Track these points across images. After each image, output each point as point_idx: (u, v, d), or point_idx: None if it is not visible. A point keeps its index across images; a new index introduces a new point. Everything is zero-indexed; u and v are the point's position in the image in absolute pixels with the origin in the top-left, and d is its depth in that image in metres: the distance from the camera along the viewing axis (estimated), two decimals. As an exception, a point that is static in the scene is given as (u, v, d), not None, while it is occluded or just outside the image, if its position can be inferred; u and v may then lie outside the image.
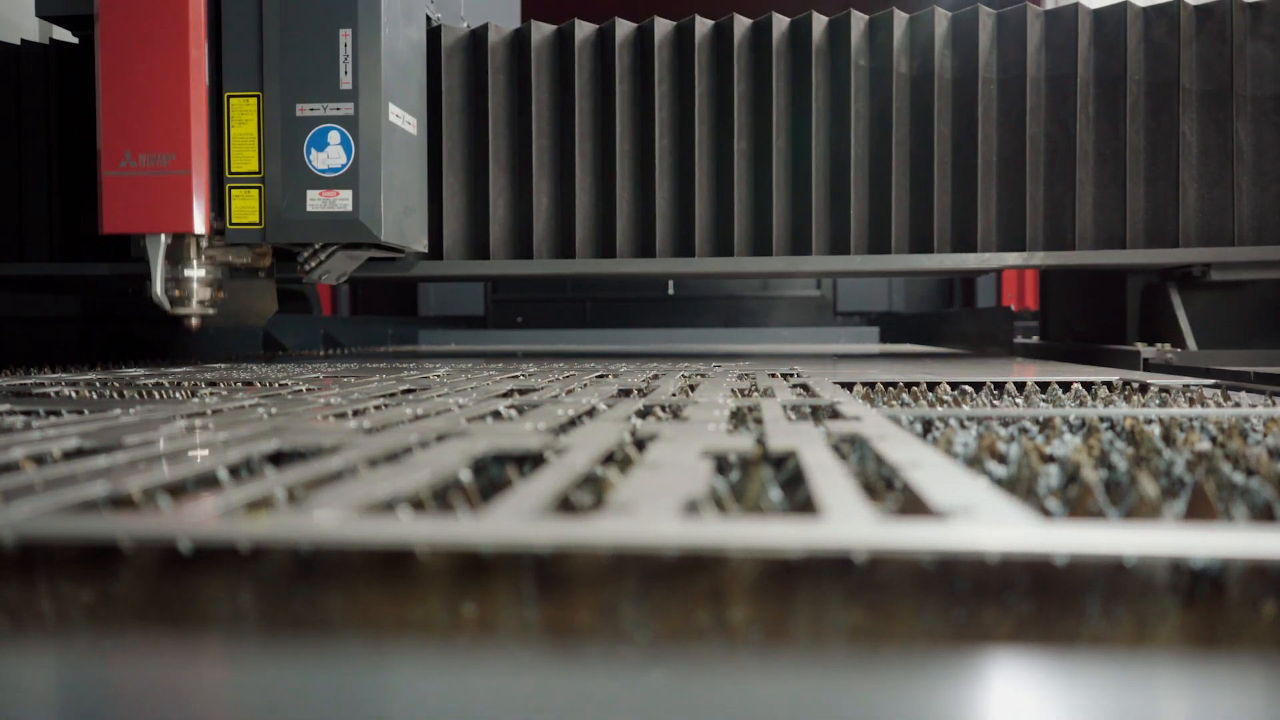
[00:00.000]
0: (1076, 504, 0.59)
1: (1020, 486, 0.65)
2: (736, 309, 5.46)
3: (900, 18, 2.28)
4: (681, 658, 0.46)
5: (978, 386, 1.49)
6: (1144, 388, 1.44)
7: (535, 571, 0.47)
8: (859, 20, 2.29)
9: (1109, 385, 1.49)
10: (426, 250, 2.31)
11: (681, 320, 5.37)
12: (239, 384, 1.60)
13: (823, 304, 5.43)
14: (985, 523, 0.50)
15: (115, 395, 1.39)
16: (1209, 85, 2.23)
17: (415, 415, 1.05)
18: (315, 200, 1.97)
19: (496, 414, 1.07)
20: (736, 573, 0.47)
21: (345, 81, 1.96)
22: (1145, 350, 2.25)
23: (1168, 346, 2.26)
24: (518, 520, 0.52)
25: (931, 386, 1.48)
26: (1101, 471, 0.74)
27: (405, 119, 2.10)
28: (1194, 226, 2.25)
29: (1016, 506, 0.54)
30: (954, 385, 1.50)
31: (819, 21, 2.30)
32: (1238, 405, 1.21)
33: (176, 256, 2.04)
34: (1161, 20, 2.23)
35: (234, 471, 0.71)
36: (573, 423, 1.00)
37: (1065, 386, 1.47)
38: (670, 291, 5.43)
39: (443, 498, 0.61)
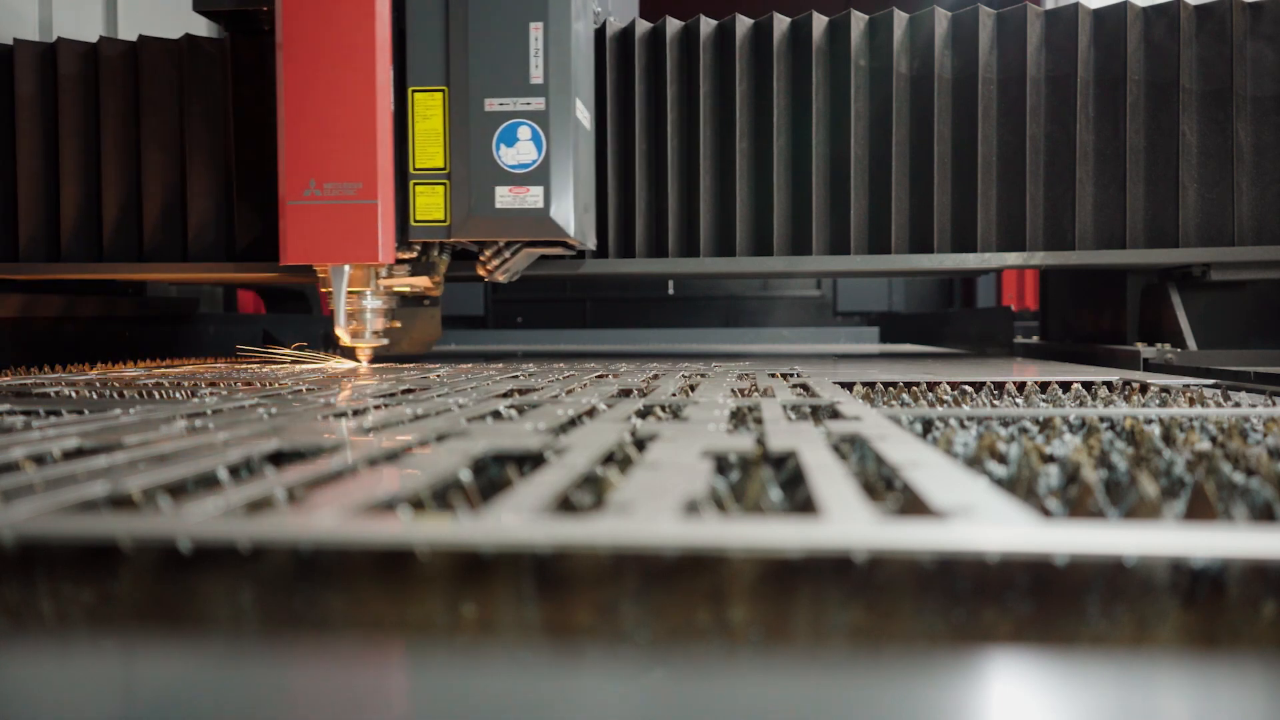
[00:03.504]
0: (1076, 504, 0.59)
1: (1020, 486, 0.65)
2: (736, 309, 5.46)
3: (900, 17, 2.28)
4: (681, 658, 0.46)
5: (978, 386, 1.49)
6: (1144, 388, 1.44)
7: (535, 571, 0.47)
8: (859, 20, 2.29)
9: (1109, 385, 1.49)
10: (596, 248, 2.29)
11: (681, 320, 5.37)
12: (239, 384, 1.60)
13: (823, 304, 5.43)
14: (985, 523, 0.50)
15: (115, 395, 1.39)
16: (1209, 85, 2.23)
17: (415, 415, 1.05)
18: (504, 197, 1.94)
19: (496, 414, 1.07)
20: (736, 573, 0.47)
21: (536, 76, 1.92)
22: (1145, 350, 2.25)
23: (1168, 346, 2.26)
24: (518, 520, 0.51)
25: (931, 386, 1.48)
26: (1101, 471, 0.74)
27: (586, 114, 2.08)
28: (1194, 226, 2.25)
29: (1016, 506, 0.54)
30: (954, 385, 1.50)
31: (819, 21, 2.30)
32: (1238, 405, 1.21)
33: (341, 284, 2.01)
34: (1161, 20, 2.23)
35: (234, 471, 0.71)
36: (573, 423, 1.00)
37: (1065, 386, 1.47)
38: (670, 291, 5.43)
39: (443, 498, 0.61)
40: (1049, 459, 0.78)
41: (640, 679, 0.43)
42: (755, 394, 1.31)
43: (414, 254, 2.09)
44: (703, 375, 1.73)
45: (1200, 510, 0.56)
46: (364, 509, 0.54)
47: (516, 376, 1.71)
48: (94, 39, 2.49)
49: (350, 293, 2.00)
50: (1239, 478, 0.68)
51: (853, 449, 0.81)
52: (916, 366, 2.07)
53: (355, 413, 1.11)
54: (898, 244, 2.31)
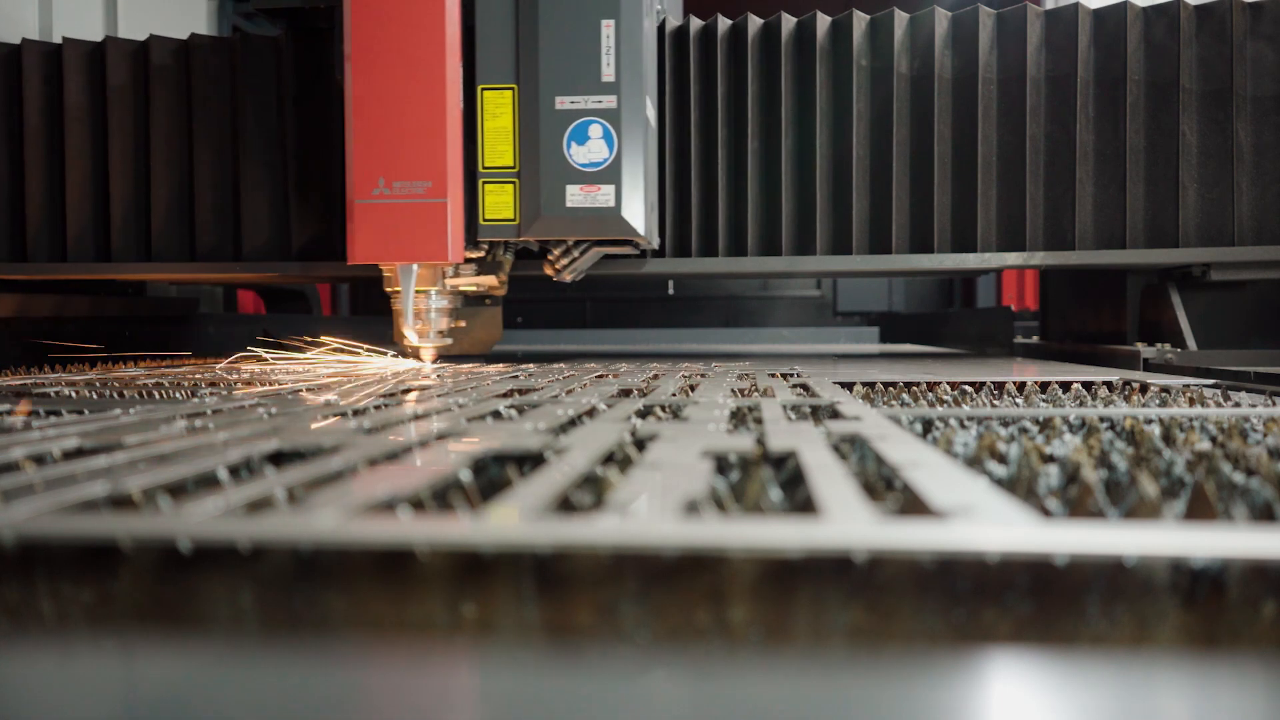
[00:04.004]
0: (1076, 504, 0.59)
1: (1020, 486, 0.65)
2: (736, 309, 5.46)
3: (901, 18, 2.28)
4: (681, 658, 0.46)
5: (978, 386, 1.49)
6: (1144, 388, 1.44)
7: (535, 571, 0.47)
8: (860, 20, 2.29)
9: (1109, 385, 1.49)
10: (657, 247, 2.27)
11: (681, 320, 5.36)
12: (239, 384, 1.60)
13: (823, 304, 5.43)
14: (985, 523, 0.50)
15: (115, 395, 1.39)
16: (1209, 85, 2.23)
17: (415, 415, 1.05)
18: (575, 195, 1.92)
19: (496, 414, 1.07)
20: (736, 573, 0.47)
21: (608, 74, 1.91)
22: (1145, 350, 2.25)
23: (1168, 346, 2.26)
24: (518, 520, 0.51)
25: (931, 386, 1.48)
26: (1101, 471, 0.74)
27: (652, 111, 2.06)
28: (1194, 226, 2.24)
29: (1016, 506, 0.54)
30: (954, 385, 1.50)
31: (823, 21, 2.29)
32: (1238, 405, 1.21)
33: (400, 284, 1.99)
34: (1161, 20, 2.23)
35: (234, 471, 0.71)
36: (573, 423, 1.00)
37: (1065, 386, 1.47)
38: (670, 291, 5.43)
39: (443, 498, 0.61)
40: (1049, 459, 0.78)
41: (640, 679, 0.43)
42: (755, 394, 1.31)
43: (481, 253, 2.08)
44: (703, 375, 1.73)
45: (1200, 510, 0.56)
46: (364, 509, 0.54)
47: (516, 376, 1.71)
48: (94, 39, 2.48)
49: (415, 292, 1.98)
50: (1239, 478, 0.68)
51: (853, 449, 0.81)
52: (916, 366, 2.07)
53: (355, 413, 1.11)
54: (898, 244, 2.31)
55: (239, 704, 0.39)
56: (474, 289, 2.14)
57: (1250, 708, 0.39)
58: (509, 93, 1.94)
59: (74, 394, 1.39)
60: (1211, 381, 1.56)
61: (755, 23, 2.32)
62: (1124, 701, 0.39)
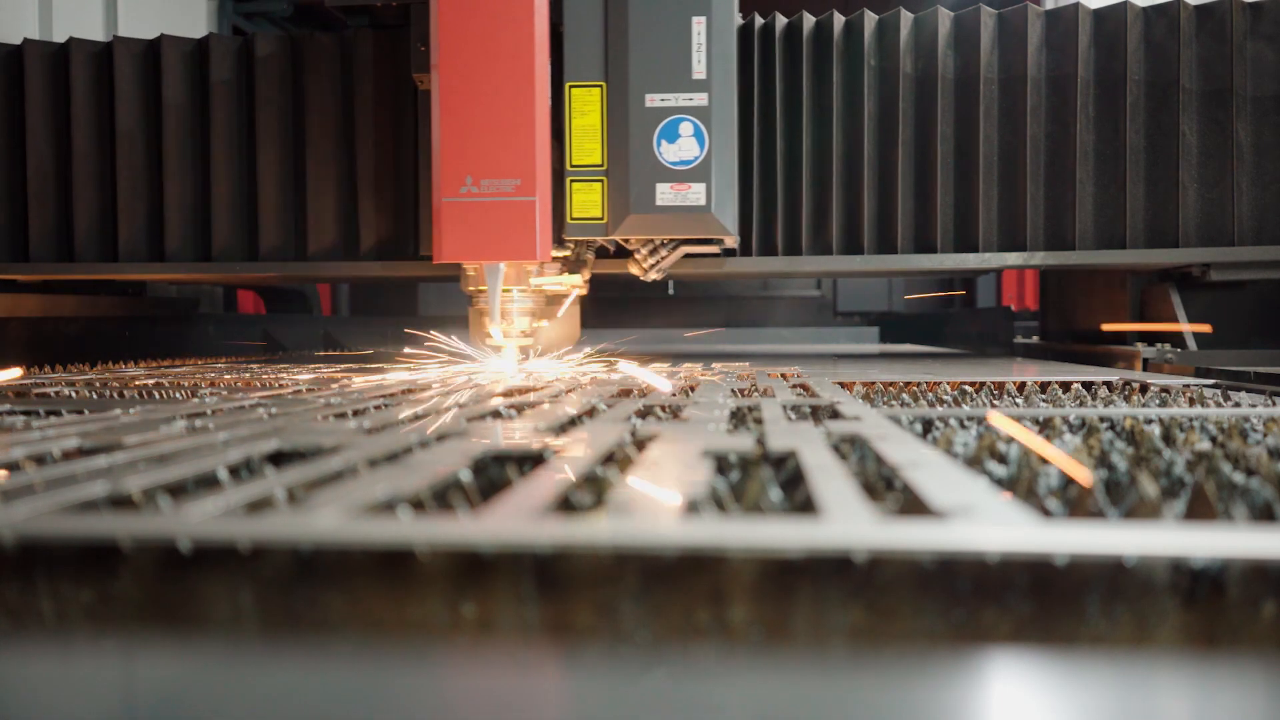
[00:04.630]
0: (1076, 504, 0.59)
1: (1020, 486, 0.65)
2: (736, 309, 5.45)
3: (906, 18, 2.28)
4: (681, 658, 0.46)
5: (978, 386, 1.49)
6: (1144, 388, 1.44)
7: (535, 571, 0.47)
8: (870, 20, 2.28)
9: (1109, 385, 1.49)
10: (738, 246, 2.25)
11: (681, 320, 5.36)
12: (239, 384, 1.60)
13: (823, 304, 5.43)
14: (985, 523, 0.50)
15: (115, 395, 1.39)
16: (1209, 85, 2.23)
17: (415, 415, 1.05)
18: (665, 194, 1.90)
19: (496, 414, 1.07)
20: (736, 573, 0.46)
21: (698, 71, 1.89)
22: (1145, 350, 2.25)
23: (1168, 346, 2.26)
24: (518, 520, 0.51)
25: (931, 386, 1.48)
26: (1101, 471, 0.74)
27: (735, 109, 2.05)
28: (1194, 226, 2.24)
29: (1016, 506, 0.54)
30: (954, 385, 1.50)
31: (838, 21, 2.29)
32: (1238, 405, 1.21)
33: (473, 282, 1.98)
34: (1161, 20, 2.23)
35: (234, 471, 0.71)
36: (573, 423, 1.00)
37: (1065, 386, 1.47)
38: (670, 291, 5.43)
39: (443, 498, 0.61)
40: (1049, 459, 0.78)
41: (640, 679, 0.43)
42: (755, 394, 1.31)
43: (568, 252, 2.07)
44: (703, 375, 1.73)
45: (1200, 510, 0.56)
46: (364, 509, 0.54)
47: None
48: (94, 39, 2.48)
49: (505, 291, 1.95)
50: (1239, 478, 0.67)
51: (853, 449, 0.81)
52: (916, 366, 2.07)
53: (355, 412, 1.11)
54: (903, 244, 2.30)
55: (239, 704, 0.39)
56: (558, 288, 2.13)
57: (1250, 708, 0.39)
58: (597, 90, 1.92)
59: (74, 394, 1.39)
60: (1211, 381, 1.56)
61: (781, 21, 2.31)
62: (1124, 701, 0.39)
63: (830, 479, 0.63)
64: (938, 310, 5.16)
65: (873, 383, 1.51)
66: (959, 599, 0.46)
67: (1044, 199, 2.28)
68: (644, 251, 2.07)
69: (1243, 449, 0.77)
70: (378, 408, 1.16)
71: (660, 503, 0.56)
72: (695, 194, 1.90)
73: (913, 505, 0.57)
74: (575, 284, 2.13)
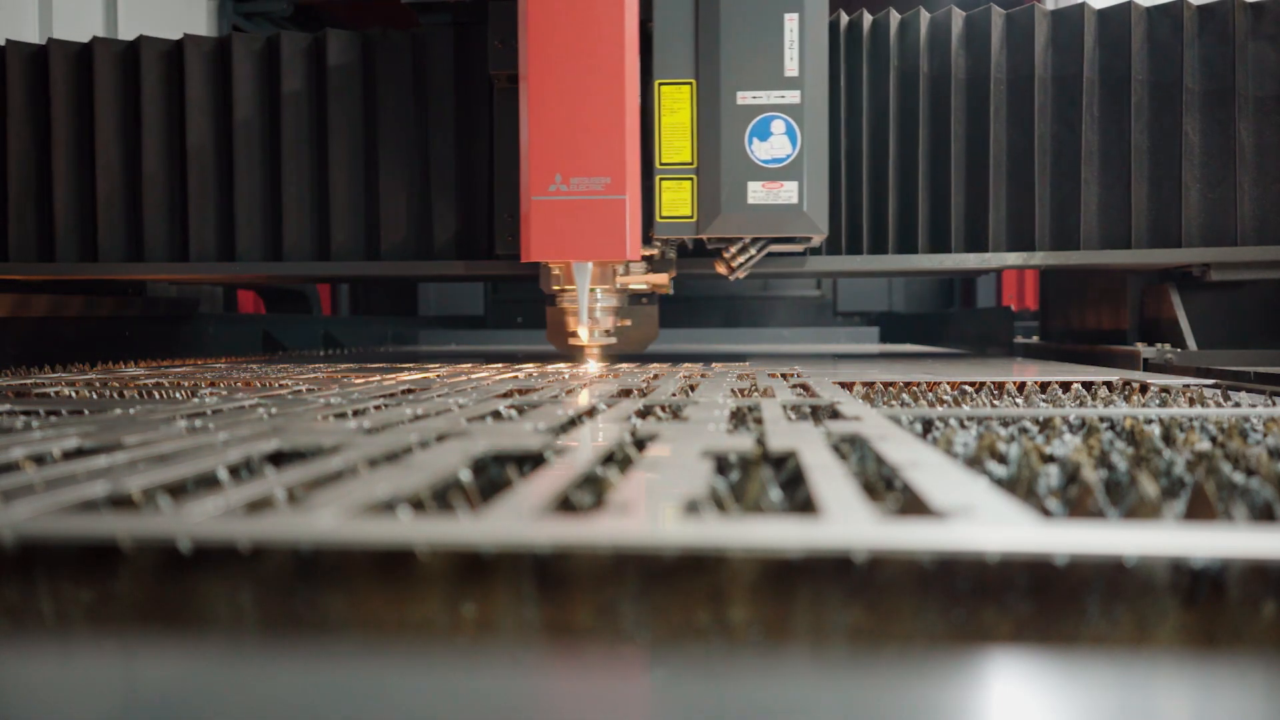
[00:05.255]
0: (1076, 504, 0.59)
1: (1020, 486, 0.65)
2: (736, 309, 5.45)
3: (924, 17, 2.27)
4: (681, 658, 0.46)
5: (978, 386, 1.49)
6: (1144, 388, 1.44)
7: (535, 571, 0.47)
8: (894, 19, 2.28)
9: (1109, 385, 1.49)
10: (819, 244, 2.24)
11: (681, 320, 5.36)
12: (239, 384, 1.60)
13: (823, 304, 5.42)
14: (985, 523, 0.50)
15: (115, 395, 1.39)
16: (1211, 85, 2.23)
17: (415, 415, 1.05)
18: (757, 192, 1.89)
19: (496, 414, 1.07)
20: (736, 573, 0.47)
21: (791, 69, 1.88)
22: (1145, 350, 2.25)
23: (1168, 346, 2.26)
24: (518, 520, 0.52)
25: (931, 386, 1.48)
26: (1101, 471, 0.74)
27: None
28: (1196, 227, 2.24)
29: (1016, 506, 0.54)
30: (954, 385, 1.50)
31: (866, 20, 2.29)
32: (1238, 405, 1.21)
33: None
34: (1165, 20, 2.23)
35: (234, 471, 0.71)
36: (573, 423, 1.00)
37: (1065, 386, 1.47)
38: (670, 291, 5.42)
39: (443, 498, 0.61)
40: (1049, 459, 0.78)
41: (640, 679, 0.43)
42: (755, 394, 1.31)
43: (655, 251, 2.06)
44: (703, 375, 1.73)
45: (1200, 510, 0.56)
46: (364, 509, 0.54)
47: (516, 376, 1.71)
48: (89, 39, 2.48)
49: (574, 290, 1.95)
50: (1239, 478, 0.68)
51: (853, 449, 0.81)
52: (916, 366, 2.07)
53: (355, 413, 1.11)
54: (922, 244, 2.30)
55: (239, 704, 0.39)
56: (645, 287, 2.12)
57: (1250, 708, 0.39)
58: (687, 88, 1.91)
59: (74, 394, 1.39)
60: (1211, 381, 1.56)
61: (844, 20, 2.31)
62: (1124, 701, 0.39)
63: (830, 479, 0.63)
64: (937, 310, 5.16)
65: (873, 383, 1.51)
66: (959, 599, 0.46)
67: (1050, 199, 2.27)
68: (733, 250, 2.06)
69: (1243, 449, 0.77)
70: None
71: (660, 503, 0.56)
72: (788, 192, 1.89)
73: (913, 505, 0.57)
74: (660, 283, 2.12)
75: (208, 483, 0.67)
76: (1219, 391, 1.38)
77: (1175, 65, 2.22)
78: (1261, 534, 0.46)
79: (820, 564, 0.46)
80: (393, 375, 1.79)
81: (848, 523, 0.51)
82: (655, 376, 1.69)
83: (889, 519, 0.53)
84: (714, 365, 2.09)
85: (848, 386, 1.49)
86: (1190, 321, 2.30)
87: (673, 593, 0.47)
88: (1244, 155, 2.22)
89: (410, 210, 2.38)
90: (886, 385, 1.50)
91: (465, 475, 0.67)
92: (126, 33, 3.37)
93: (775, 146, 1.89)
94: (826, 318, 5.43)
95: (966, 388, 1.47)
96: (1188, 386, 1.42)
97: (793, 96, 1.89)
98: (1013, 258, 2.29)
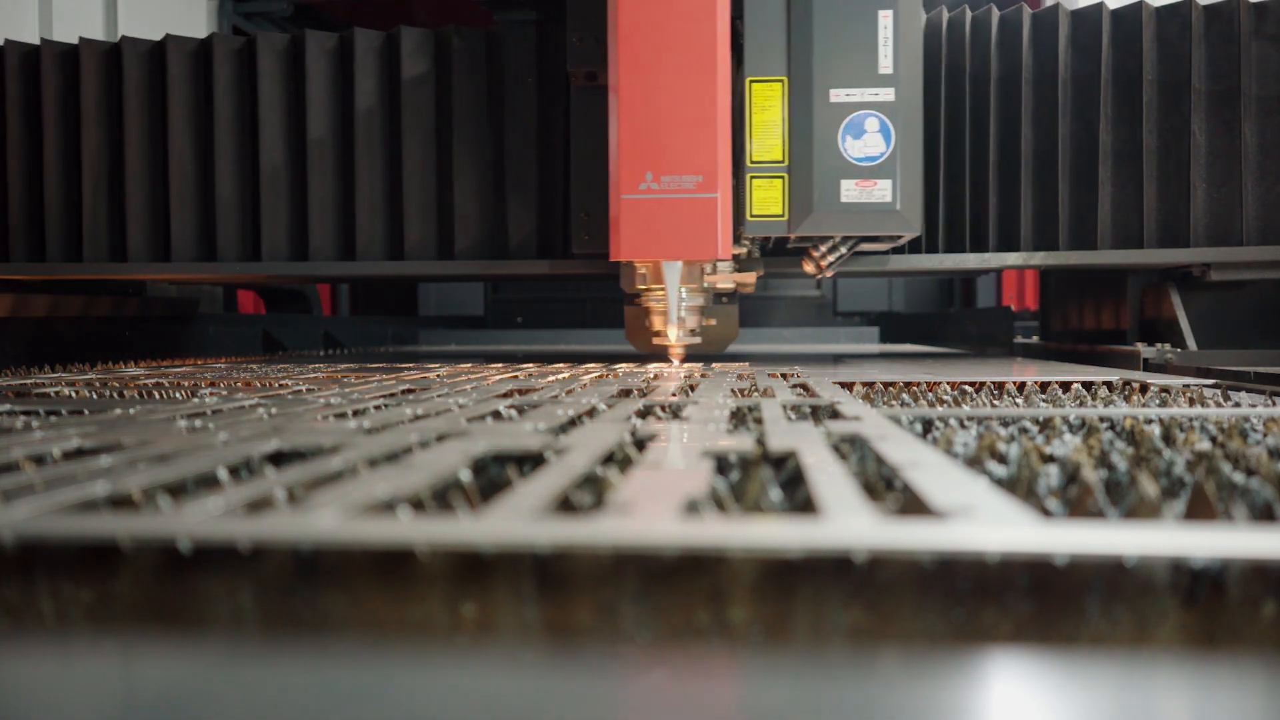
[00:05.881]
0: (1076, 504, 0.59)
1: (1020, 486, 0.65)
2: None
3: (968, 16, 2.27)
4: (681, 658, 0.46)
5: (978, 386, 1.49)
6: (1144, 388, 1.44)
7: (535, 571, 0.47)
8: (943, 16, 2.28)
9: (1109, 385, 1.49)
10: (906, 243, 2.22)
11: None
12: (239, 384, 1.60)
13: (822, 304, 5.42)
14: (985, 523, 0.50)
15: (115, 395, 1.39)
16: (1216, 85, 2.23)
17: (415, 415, 1.05)
18: (850, 190, 1.88)
19: (496, 414, 1.07)
20: (736, 573, 0.47)
21: (885, 66, 1.87)
22: (1145, 350, 2.25)
23: (1168, 346, 2.26)
24: (518, 520, 0.51)
25: (931, 386, 1.48)
26: (1101, 471, 0.74)
27: None
28: (1202, 226, 2.24)
29: (1016, 506, 0.54)
30: (954, 385, 1.50)
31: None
32: (1238, 405, 1.21)
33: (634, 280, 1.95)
34: (1175, 20, 2.23)
35: (234, 471, 0.71)
36: (573, 423, 1.00)
37: (1065, 386, 1.47)
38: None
39: (443, 498, 0.61)
40: (1049, 459, 0.78)
41: (640, 679, 0.43)
42: (755, 394, 1.31)
43: (743, 250, 2.05)
44: (703, 375, 1.73)
45: (1200, 510, 0.56)
46: (364, 509, 0.54)
47: (516, 376, 1.71)
48: (89, 38, 2.48)
49: (663, 290, 1.92)
50: (1239, 478, 0.68)
51: (853, 449, 0.81)
52: (916, 366, 2.07)
53: (355, 413, 1.11)
54: (944, 243, 2.30)
55: (239, 704, 0.39)
56: (731, 286, 2.11)
57: (1250, 708, 0.39)
58: (779, 85, 1.90)
59: (74, 394, 1.39)
60: (1211, 381, 1.56)
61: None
62: (1124, 701, 0.39)
63: (830, 479, 0.63)
64: (937, 310, 5.16)
65: (873, 383, 1.51)
66: (959, 599, 0.46)
67: (1068, 199, 2.27)
68: (823, 249, 2.05)
69: (1243, 449, 0.77)
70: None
71: (660, 503, 0.56)
72: (881, 190, 1.88)
73: (913, 505, 0.57)
74: (748, 281, 2.11)
75: (208, 483, 0.67)
76: (1219, 391, 1.38)
77: (1184, 65, 2.22)
78: (1261, 534, 0.46)
79: (820, 564, 0.46)
80: (393, 375, 1.79)
81: (848, 523, 0.51)
82: (655, 377, 1.69)
83: (889, 519, 0.53)
84: (714, 365, 2.09)
85: (848, 386, 1.49)
86: (1190, 321, 2.30)
87: (673, 593, 0.47)
88: (1247, 155, 2.22)
89: (483, 209, 2.36)
90: (886, 385, 1.50)
91: (465, 475, 0.67)
92: (126, 33, 3.36)
93: (869, 144, 1.88)
94: (826, 318, 5.43)
95: (966, 388, 1.47)
96: (1188, 386, 1.42)
97: (887, 94, 1.87)
98: (1012, 258, 2.29)
